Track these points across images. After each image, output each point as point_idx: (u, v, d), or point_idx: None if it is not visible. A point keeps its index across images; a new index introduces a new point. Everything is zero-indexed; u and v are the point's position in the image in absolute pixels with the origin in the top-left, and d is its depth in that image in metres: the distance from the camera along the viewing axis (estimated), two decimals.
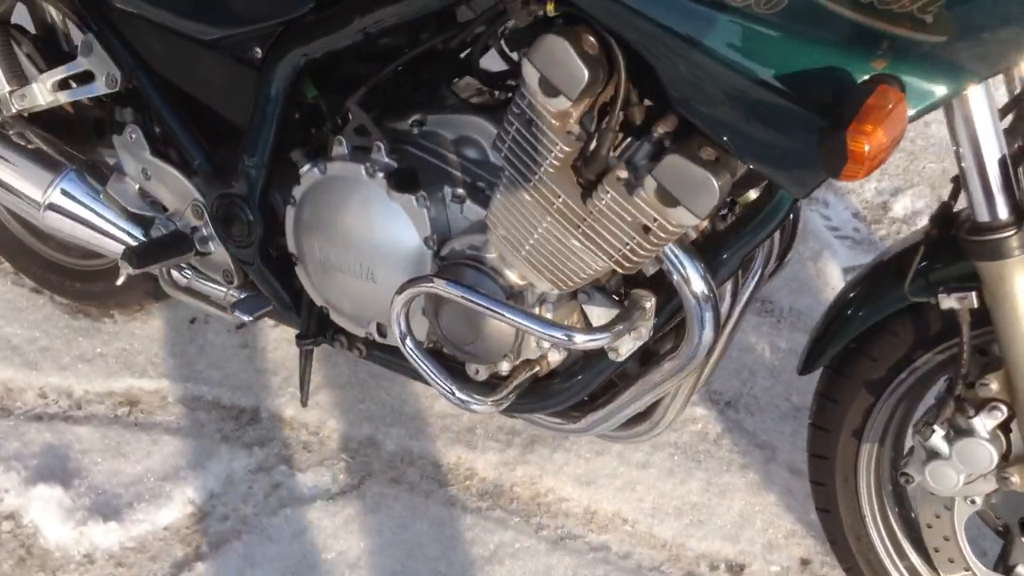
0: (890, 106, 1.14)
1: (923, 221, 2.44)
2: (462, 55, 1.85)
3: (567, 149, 1.50)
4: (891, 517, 1.76)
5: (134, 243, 2.12)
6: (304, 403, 2.13)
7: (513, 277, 1.70)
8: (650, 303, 1.64)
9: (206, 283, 2.11)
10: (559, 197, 1.56)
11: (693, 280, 1.57)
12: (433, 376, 1.73)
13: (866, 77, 1.23)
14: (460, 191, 1.76)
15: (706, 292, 1.57)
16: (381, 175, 1.77)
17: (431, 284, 1.66)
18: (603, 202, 1.51)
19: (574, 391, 1.79)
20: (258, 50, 1.83)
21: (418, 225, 1.76)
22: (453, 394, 1.74)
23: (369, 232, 1.81)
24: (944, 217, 1.52)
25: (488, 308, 1.62)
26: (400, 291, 1.69)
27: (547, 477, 2.23)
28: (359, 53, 1.80)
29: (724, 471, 2.20)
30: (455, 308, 1.70)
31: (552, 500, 2.20)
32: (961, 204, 1.48)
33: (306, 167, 1.85)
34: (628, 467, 2.22)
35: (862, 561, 1.77)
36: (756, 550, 2.07)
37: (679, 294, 1.59)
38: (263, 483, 2.28)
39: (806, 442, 1.78)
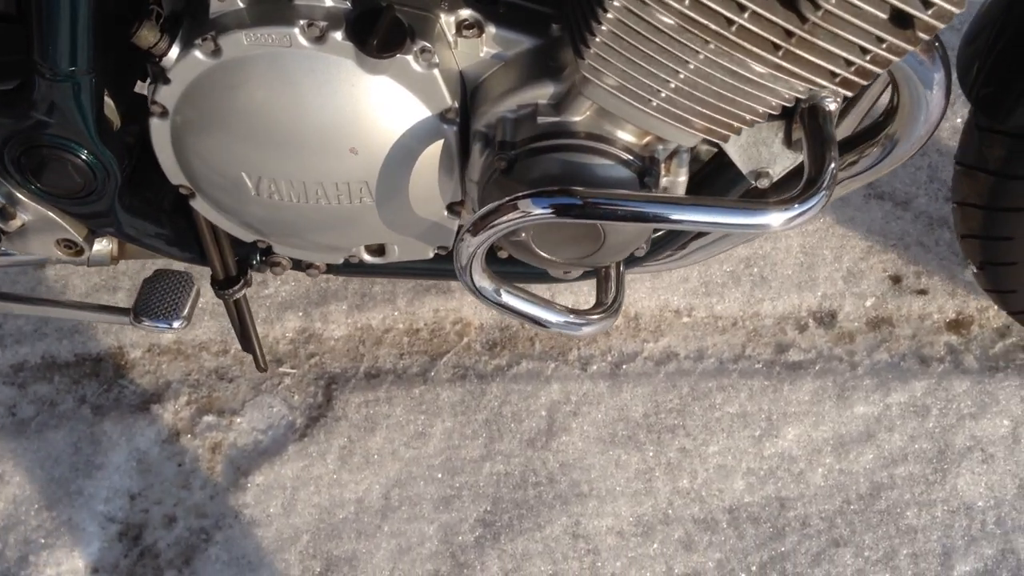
0: None
1: None
2: None
3: None
4: None
5: None
6: (263, 366, 1.43)
7: (628, 138, 1.05)
8: (835, 104, 1.07)
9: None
10: (744, 12, 0.90)
11: None
12: (538, 319, 1.11)
13: None
14: (465, 15, 1.03)
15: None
16: (338, 35, 0.99)
17: (524, 213, 0.98)
18: (832, 0, 0.88)
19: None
20: None
21: (428, 95, 1.03)
22: (568, 326, 1.14)
23: (336, 132, 1.04)
24: None
25: (639, 214, 0.99)
26: (474, 230, 1.01)
27: (559, 296, 1.71)
28: None
29: None
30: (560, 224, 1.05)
31: None
32: None
33: (175, 53, 1.02)
34: None
35: None
36: (839, 287, 1.72)
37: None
38: (196, 451, 1.62)
39: (971, 195, 1.36)
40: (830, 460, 1.57)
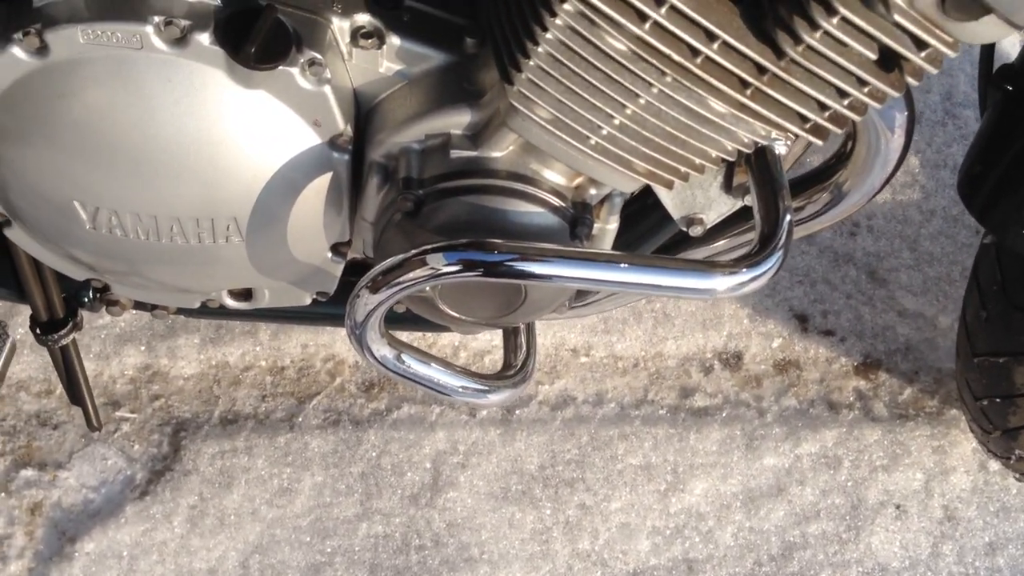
0: None
1: None
2: None
3: None
4: None
5: None
6: (97, 424, 1.19)
7: (557, 180, 0.88)
8: (785, 147, 0.93)
9: None
10: (713, 41, 0.74)
11: None
12: (444, 390, 0.93)
13: None
14: (363, 21, 0.84)
15: None
16: (204, 38, 0.78)
17: (434, 269, 0.80)
18: (817, 35, 0.73)
19: None
20: None
21: (316, 115, 0.84)
22: (472, 394, 0.96)
23: (198, 158, 0.84)
24: None
25: (572, 275, 0.82)
26: (373, 287, 0.81)
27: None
28: None
29: None
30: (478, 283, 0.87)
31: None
32: None
33: None
34: None
35: None
36: (744, 326, 1.60)
37: None
38: (12, 512, 1.36)
39: None
40: (740, 517, 1.45)
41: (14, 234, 0.94)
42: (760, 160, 0.90)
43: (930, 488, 1.48)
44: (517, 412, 1.50)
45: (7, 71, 0.79)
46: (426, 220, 0.85)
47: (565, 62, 0.76)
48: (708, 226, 0.99)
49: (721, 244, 1.10)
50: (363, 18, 0.84)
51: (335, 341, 1.51)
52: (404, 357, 0.90)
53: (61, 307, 1.06)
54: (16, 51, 0.78)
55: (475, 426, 1.48)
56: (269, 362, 1.50)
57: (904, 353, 1.60)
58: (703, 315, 1.60)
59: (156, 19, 0.77)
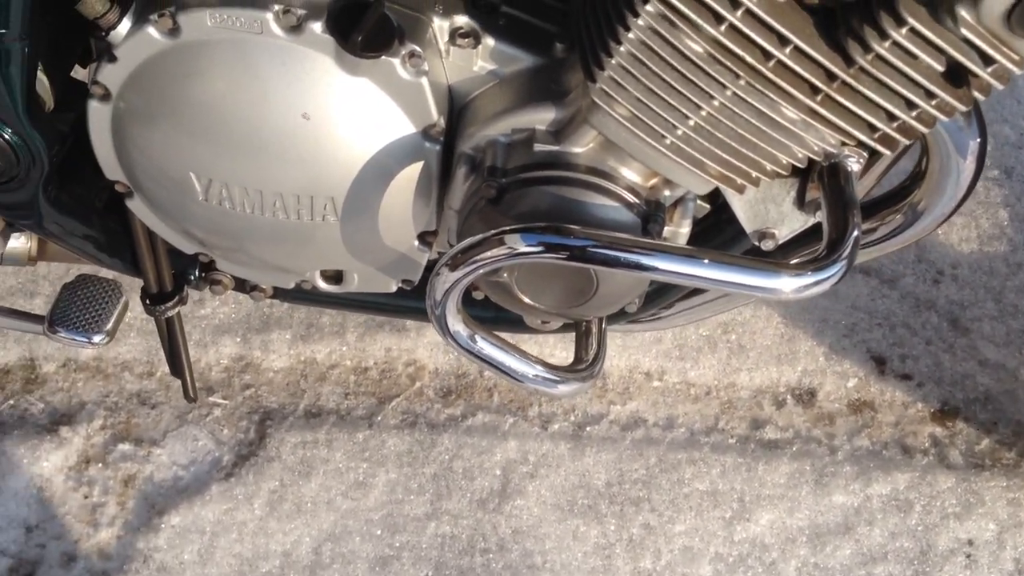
0: None
1: None
2: None
3: None
4: None
5: None
6: (193, 395, 1.27)
7: (633, 178, 0.93)
8: (858, 165, 0.97)
9: None
10: (785, 46, 0.79)
11: None
12: (511, 372, 0.98)
13: None
14: (461, 22, 0.91)
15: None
16: (317, 27, 0.86)
17: (511, 249, 0.85)
18: (886, 44, 0.77)
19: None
20: None
21: (412, 107, 0.91)
22: (543, 382, 1.01)
23: (303, 137, 0.92)
24: None
25: (642, 263, 0.87)
26: (453, 265, 0.88)
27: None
28: None
29: None
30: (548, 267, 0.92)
31: None
32: None
33: (125, 27, 0.88)
34: None
35: None
36: (820, 364, 1.61)
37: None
38: (107, 482, 1.45)
39: None
40: (805, 552, 1.45)
41: (135, 205, 1.03)
42: (832, 176, 0.93)
43: (1002, 539, 1.46)
44: (588, 429, 1.53)
45: (142, 49, 0.89)
46: (507, 208, 0.90)
47: (645, 61, 0.82)
48: (780, 241, 1.02)
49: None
50: (462, 19, 0.91)
51: (417, 347, 1.57)
52: (479, 339, 0.95)
53: (170, 281, 1.15)
54: (151, 31, 0.88)
55: (546, 439, 1.52)
56: (354, 362, 1.56)
57: (983, 403, 1.58)
58: (778, 349, 1.61)
59: (276, 7, 0.86)
